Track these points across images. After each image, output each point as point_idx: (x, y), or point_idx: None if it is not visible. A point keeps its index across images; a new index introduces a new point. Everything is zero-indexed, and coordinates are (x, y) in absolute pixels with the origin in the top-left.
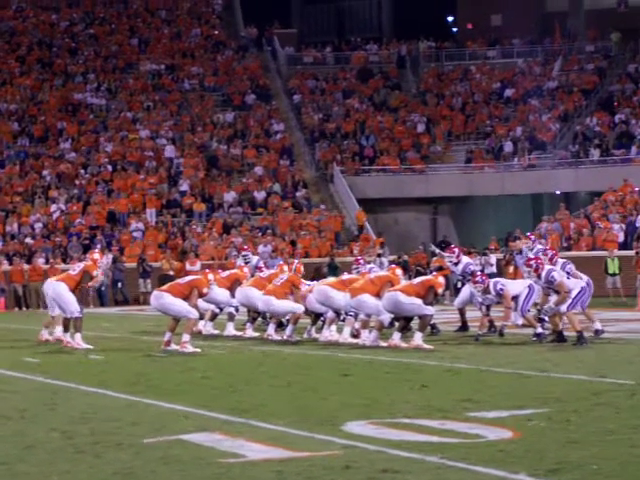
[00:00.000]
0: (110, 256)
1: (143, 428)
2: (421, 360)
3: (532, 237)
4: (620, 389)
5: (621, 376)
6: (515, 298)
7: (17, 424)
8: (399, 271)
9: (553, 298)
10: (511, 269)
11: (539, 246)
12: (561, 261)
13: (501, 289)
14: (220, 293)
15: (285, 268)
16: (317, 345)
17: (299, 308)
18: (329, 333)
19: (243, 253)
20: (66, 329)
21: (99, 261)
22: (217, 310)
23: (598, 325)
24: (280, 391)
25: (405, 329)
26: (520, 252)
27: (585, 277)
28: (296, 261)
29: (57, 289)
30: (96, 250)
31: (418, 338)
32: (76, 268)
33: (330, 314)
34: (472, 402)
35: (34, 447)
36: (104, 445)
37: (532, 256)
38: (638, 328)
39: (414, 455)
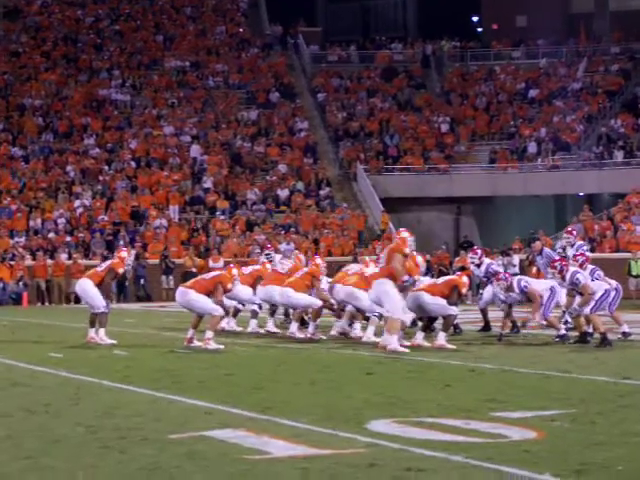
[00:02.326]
0: (133, 252)
1: (167, 424)
2: (444, 360)
3: (574, 232)
4: None
5: None
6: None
7: (42, 418)
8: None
9: (577, 299)
10: (534, 270)
11: (579, 242)
12: (590, 267)
13: (525, 286)
14: (242, 290)
15: (302, 257)
16: (340, 343)
17: (317, 302)
18: (351, 329)
19: (266, 251)
20: (92, 324)
21: (126, 259)
22: (240, 307)
23: (626, 327)
24: (303, 389)
25: (428, 329)
26: (540, 253)
27: (614, 282)
28: (318, 257)
29: (83, 285)
30: (124, 248)
31: (442, 338)
32: (102, 265)
33: (350, 307)
34: (496, 402)
35: (59, 441)
36: (129, 440)
37: (575, 252)
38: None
39: (439, 454)
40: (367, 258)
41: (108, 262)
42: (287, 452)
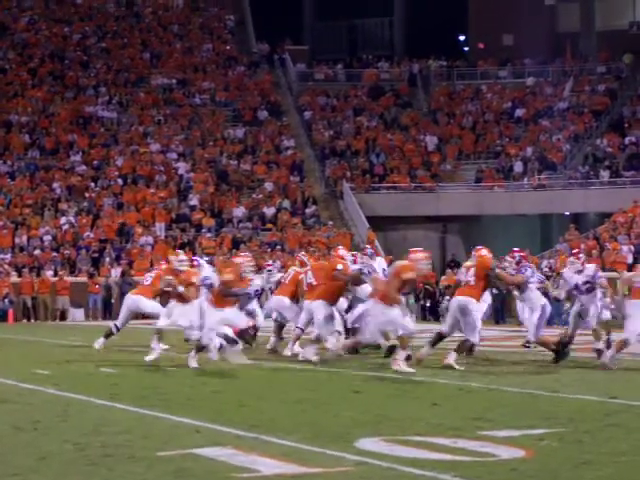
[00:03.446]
0: (119, 269)
1: (154, 441)
2: (431, 378)
3: (580, 256)
4: (631, 410)
5: (632, 397)
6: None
7: (30, 435)
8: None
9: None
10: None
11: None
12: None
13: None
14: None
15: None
16: (327, 362)
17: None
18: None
19: (268, 268)
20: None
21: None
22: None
23: (601, 345)
24: (291, 407)
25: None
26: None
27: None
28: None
29: (137, 302)
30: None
31: (452, 358)
32: (148, 279)
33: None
34: (484, 420)
35: (47, 458)
36: (117, 458)
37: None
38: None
39: (427, 473)
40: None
41: (152, 273)
42: (276, 470)
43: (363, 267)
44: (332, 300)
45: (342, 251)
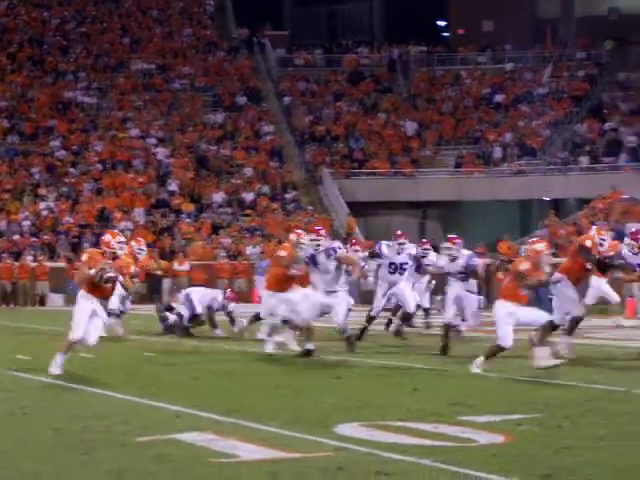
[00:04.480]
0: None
1: (134, 427)
2: (412, 364)
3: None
4: (611, 396)
5: (611, 382)
6: None
7: (10, 420)
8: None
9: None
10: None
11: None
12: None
13: None
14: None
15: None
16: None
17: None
18: None
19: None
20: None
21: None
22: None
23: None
24: (271, 392)
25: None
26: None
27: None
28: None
29: None
30: None
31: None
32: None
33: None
34: (464, 406)
35: (27, 444)
36: (96, 443)
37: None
38: (626, 335)
39: (407, 458)
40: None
41: None
42: (255, 455)
43: (317, 250)
44: (278, 288)
45: (293, 236)
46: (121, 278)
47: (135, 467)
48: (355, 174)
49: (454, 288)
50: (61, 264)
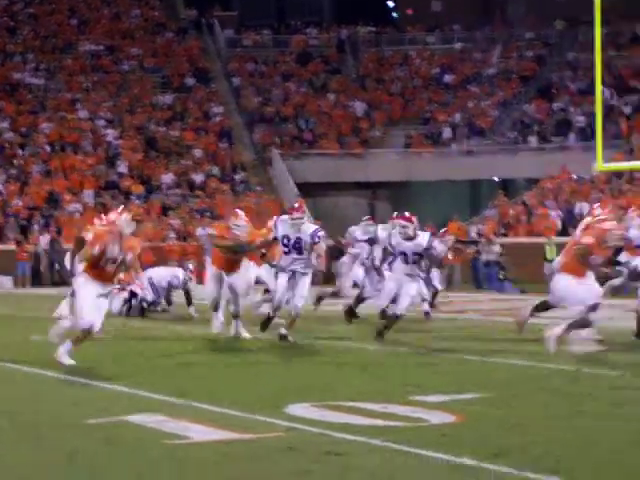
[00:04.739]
0: (47, 237)
1: (85, 409)
2: (361, 344)
3: None
4: (561, 374)
5: (562, 361)
6: None
7: None
8: None
9: None
10: (450, 256)
11: None
12: None
13: None
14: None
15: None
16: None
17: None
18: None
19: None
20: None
21: None
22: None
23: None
24: (221, 373)
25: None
26: None
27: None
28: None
29: None
30: None
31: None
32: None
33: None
34: (414, 386)
35: None
36: (47, 426)
37: None
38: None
39: (358, 438)
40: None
41: None
42: (206, 437)
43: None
44: (222, 268)
45: (231, 219)
46: (130, 257)
47: (86, 449)
48: (304, 155)
49: (398, 271)
50: (10, 247)
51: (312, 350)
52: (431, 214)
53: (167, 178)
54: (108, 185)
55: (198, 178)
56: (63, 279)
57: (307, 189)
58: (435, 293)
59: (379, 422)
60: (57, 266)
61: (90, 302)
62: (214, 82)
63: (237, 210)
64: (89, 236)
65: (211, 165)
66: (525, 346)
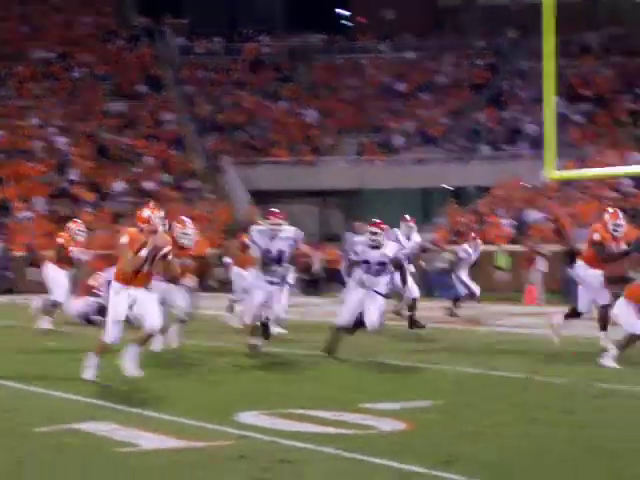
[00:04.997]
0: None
1: (37, 417)
2: (313, 352)
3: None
4: (511, 382)
5: (512, 369)
6: None
7: None
8: None
9: None
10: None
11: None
12: None
13: None
14: None
15: None
16: (211, 337)
17: None
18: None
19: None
20: None
21: None
22: None
23: None
24: (172, 382)
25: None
26: None
27: None
28: None
29: None
30: None
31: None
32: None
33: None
34: (364, 394)
35: None
36: None
37: None
38: (526, 322)
39: (309, 446)
40: None
41: None
42: (157, 445)
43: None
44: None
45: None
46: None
47: (35, 457)
48: (256, 163)
49: (358, 281)
50: None
51: (265, 359)
52: (383, 222)
53: (118, 186)
54: (59, 192)
55: (149, 186)
56: (12, 287)
57: (259, 197)
58: (414, 301)
59: (330, 430)
60: (8, 274)
61: (155, 306)
62: (166, 90)
63: (183, 218)
64: (124, 240)
65: (163, 173)
66: (476, 354)
